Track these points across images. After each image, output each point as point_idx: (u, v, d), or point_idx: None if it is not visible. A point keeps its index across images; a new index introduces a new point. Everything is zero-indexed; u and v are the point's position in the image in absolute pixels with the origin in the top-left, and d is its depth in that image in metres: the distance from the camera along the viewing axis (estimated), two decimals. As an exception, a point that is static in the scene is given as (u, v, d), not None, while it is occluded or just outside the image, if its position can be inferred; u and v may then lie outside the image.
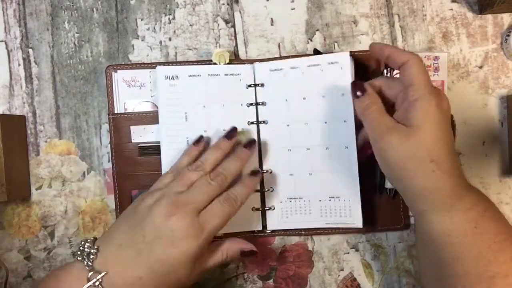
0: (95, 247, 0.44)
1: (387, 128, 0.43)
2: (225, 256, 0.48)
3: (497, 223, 0.42)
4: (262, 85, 0.53)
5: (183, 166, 0.49)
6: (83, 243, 0.44)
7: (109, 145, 0.54)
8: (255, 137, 0.53)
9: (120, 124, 0.53)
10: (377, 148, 0.44)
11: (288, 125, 0.52)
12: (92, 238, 0.45)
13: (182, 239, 0.43)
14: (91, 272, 0.42)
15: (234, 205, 0.46)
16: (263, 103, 0.53)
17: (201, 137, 0.51)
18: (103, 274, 0.42)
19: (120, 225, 0.45)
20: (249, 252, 0.48)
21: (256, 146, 0.50)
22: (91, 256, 0.43)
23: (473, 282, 0.41)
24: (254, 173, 0.49)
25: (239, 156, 0.49)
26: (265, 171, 0.53)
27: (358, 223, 0.51)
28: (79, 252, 0.44)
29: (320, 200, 0.52)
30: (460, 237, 0.41)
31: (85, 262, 0.43)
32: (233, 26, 0.56)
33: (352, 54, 0.53)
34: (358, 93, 0.45)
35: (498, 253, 0.40)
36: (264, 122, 0.53)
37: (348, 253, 0.55)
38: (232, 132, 0.50)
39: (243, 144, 0.49)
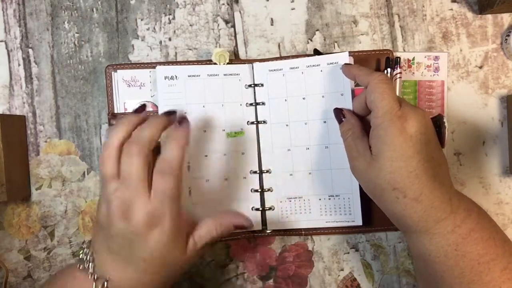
0: (91, 252, 0.43)
1: (357, 154, 0.45)
2: (218, 232, 0.45)
3: (483, 245, 0.41)
4: (261, 85, 0.53)
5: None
6: (83, 247, 0.44)
7: (109, 145, 0.54)
8: (255, 137, 0.53)
9: (120, 124, 0.53)
10: (351, 171, 0.46)
11: (287, 125, 0.52)
12: (88, 241, 0.45)
13: (152, 227, 0.40)
14: (95, 279, 0.42)
15: (171, 170, 0.41)
16: (262, 103, 0.53)
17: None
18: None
19: (99, 232, 0.43)
20: (241, 226, 0.46)
21: (188, 123, 0.44)
22: (90, 263, 0.42)
23: None
24: (180, 122, 0.43)
25: (153, 122, 0.43)
26: (264, 171, 0.53)
27: (358, 221, 0.52)
28: (79, 257, 0.44)
29: (319, 199, 0.52)
30: (440, 258, 0.41)
31: (86, 267, 0.42)
32: (233, 26, 0.56)
33: (352, 54, 0.53)
34: (340, 117, 0.48)
35: (482, 274, 0.40)
36: (263, 122, 0.53)
37: (348, 253, 0.55)
38: (139, 108, 0.45)
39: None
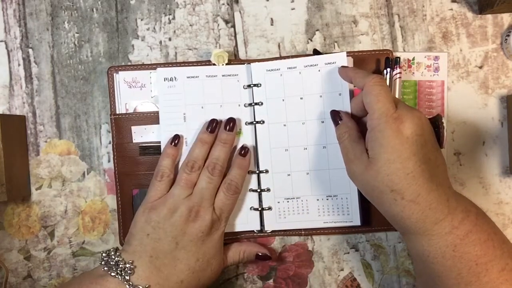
0: (130, 261, 0.45)
1: (353, 157, 0.45)
2: (242, 257, 0.52)
3: (481, 246, 0.41)
4: (259, 85, 0.53)
5: (167, 169, 0.50)
6: (112, 257, 0.46)
7: (108, 145, 0.55)
8: (253, 137, 0.53)
9: (121, 124, 0.53)
10: (347, 174, 0.47)
11: (285, 125, 0.52)
12: (114, 250, 0.46)
13: (210, 233, 0.48)
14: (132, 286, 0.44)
15: (236, 190, 0.50)
16: (260, 103, 0.53)
17: (177, 136, 0.51)
18: None
19: (143, 239, 0.47)
20: (263, 256, 0.52)
21: (237, 124, 0.51)
22: (128, 272, 0.45)
23: None
24: (243, 153, 0.51)
25: (225, 141, 0.50)
26: (262, 171, 0.53)
27: (356, 221, 0.52)
28: (106, 267, 0.45)
29: (317, 199, 0.52)
30: (438, 259, 0.41)
31: (120, 277, 0.44)
32: (233, 26, 0.56)
33: (352, 54, 0.53)
34: (337, 120, 0.49)
35: (480, 275, 0.40)
36: (261, 122, 0.53)
37: (348, 253, 0.55)
38: (212, 125, 0.51)
39: (224, 126, 0.51)
